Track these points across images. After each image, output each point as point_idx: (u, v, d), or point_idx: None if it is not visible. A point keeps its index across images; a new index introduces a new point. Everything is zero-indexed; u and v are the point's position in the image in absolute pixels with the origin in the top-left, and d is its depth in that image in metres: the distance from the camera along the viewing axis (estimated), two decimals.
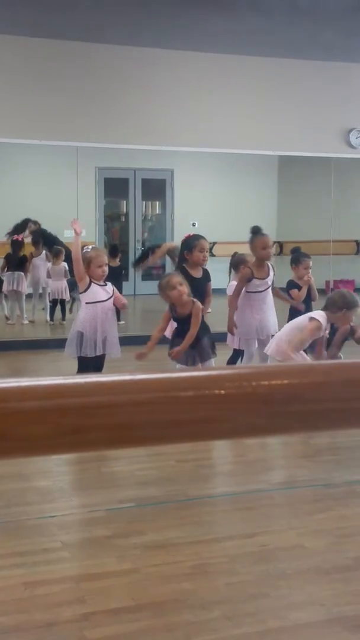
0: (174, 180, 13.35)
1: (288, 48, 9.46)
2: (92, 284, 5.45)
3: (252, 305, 6.02)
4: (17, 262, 10.51)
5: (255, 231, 6.16)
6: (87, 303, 5.46)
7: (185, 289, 5.29)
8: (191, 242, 6.15)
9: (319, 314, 5.27)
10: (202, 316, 5.52)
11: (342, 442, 5.08)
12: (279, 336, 5.46)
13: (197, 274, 5.99)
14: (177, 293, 5.26)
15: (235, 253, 7.12)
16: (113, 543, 3.36)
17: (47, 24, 8.54)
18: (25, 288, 10.58)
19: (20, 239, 10.54)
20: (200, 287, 5.89)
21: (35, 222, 11.26)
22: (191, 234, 6.42)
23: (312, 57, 9.83)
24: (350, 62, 10.11)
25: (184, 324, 5.41)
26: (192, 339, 5.32)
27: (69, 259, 10.55)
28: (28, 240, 10.97)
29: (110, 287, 5.57)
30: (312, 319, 5.26)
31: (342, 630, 2.69)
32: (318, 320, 5.21)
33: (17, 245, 10.55)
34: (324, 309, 5.29)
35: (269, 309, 6.10)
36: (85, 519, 3.71)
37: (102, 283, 5.52)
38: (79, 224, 5.53)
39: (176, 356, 5.34)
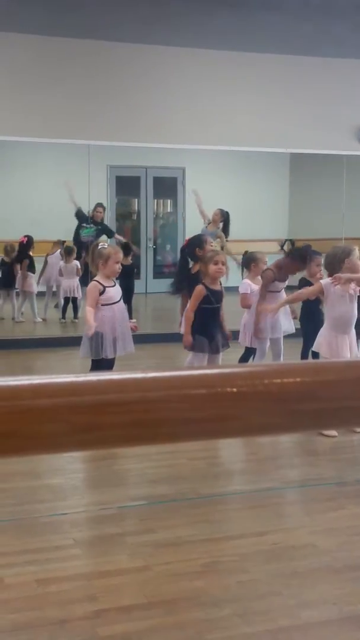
0: (185, 179, 13.34)
1: (299, 45, 9.43)
2: (106, 288, 5.46)
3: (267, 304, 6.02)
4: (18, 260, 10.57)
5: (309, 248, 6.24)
6: (103, 305, 5.47)
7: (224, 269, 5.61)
8: (199, 240, 6.24)
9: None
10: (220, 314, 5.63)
11: (354, 441, 5.07)
12: (320, 332, 5.39)
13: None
14: (217, 269, 5.52)
15: (247, 251, 7.12)
16: (125, 541, 3.37)
17: (57, 23, 8.56)
18: (35, 287, 10.59)
19: (24, 241, 10.58)
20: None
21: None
22: (190, 237, 6.54)
23: (323, 54, 9.80)
24: None
25: (208, 312, 5.47)
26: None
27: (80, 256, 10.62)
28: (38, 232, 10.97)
29: (118, 286, 5.62)
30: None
31: (355, 629, 2.68)
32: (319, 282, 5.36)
33: (23, 247, 10.60)
34: (329, 272, 5.31)
35: (283, 309, 6.10)
36: (97, 517, 3.72)
37: (112, 284, 5.54)
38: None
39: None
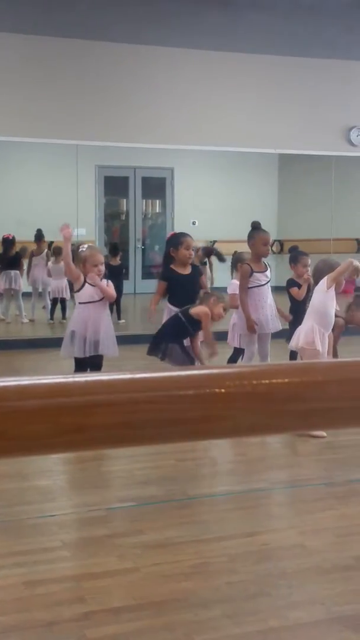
0: (174, 179, 13.35)
1: (289, 45, 9.45)
2: (86, 284, 5.42)
3: (253, 301, 6.01)
4: (11, 260, 10.50)
5: (256, 227, 6.15)
6: (80, 303, 5.44)
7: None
8: (177, 240, 6.17)
9: None
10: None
11: (342, 441, 5.08)
12: (301, 329, 5.39)
13: (185, 271, 6.04)
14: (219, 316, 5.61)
15: (236, 251, 7.13)
16: (113, 542, 3.36)
17: (47, 22, 8.54)
18: (22, 286, 10.54)
19: (10, 237, 10.51)
20: (188, 284, 5.94)
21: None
22: (175, 232, 6.46)
23: (313, 55, 9.82)
24: (351, 60, 10.10)
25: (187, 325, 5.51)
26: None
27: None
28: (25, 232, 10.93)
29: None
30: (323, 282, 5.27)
31: (343, 629, 2.69)
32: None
33: (8, 243, 10.53)
34: (316, 284, 5.36)
35: (269, 306, 6.09)
36: (86, 518, 3.71)
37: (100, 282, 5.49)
38: (68, 229, 5.44)
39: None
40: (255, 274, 6.00)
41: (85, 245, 5.77)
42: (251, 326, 5.93)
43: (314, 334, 5.23)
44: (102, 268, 5.49)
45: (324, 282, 5.24)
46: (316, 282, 5.40)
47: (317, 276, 5.40)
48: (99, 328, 5.43)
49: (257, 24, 8.55)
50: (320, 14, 8.26)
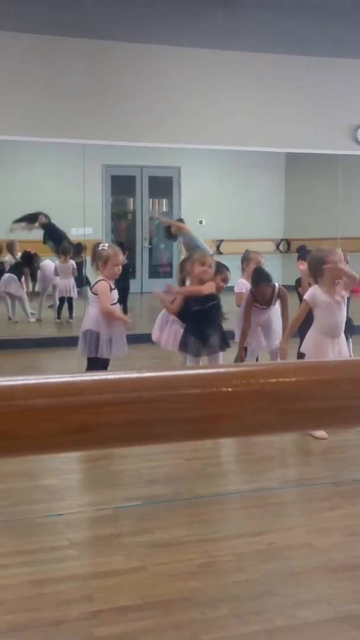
0: (180, 178, 13.34)
1: (295, 44, 9.43)
2: (111, 290, 5.50)
3: (255, 319, 5.99)
4: (13, 265, 10.59)
5: (259, 276, 6.03)
6: None
7: (211, 271, 5.58)
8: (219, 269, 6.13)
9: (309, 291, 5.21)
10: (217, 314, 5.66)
11: (350, 440, 5.07)
12: (309, 334, 5.34)
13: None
14: (203, 272, 5.54)
15: (247, 250, 7.12)
16: (120, 541, 3.36)
17: (53, 21, 8.55)
18: (19, 290, 10.50)
19: (32, 253, 10.71)
20: None
21: (46, 216, 11.37)
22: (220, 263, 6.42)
23: (319, 53, 9.80)
24: (357, 58, 10.07)
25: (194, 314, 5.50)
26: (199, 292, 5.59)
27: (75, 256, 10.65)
28: (35, 232, 11.13)
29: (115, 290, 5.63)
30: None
31: (351, 628, 2.68)
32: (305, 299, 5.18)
33: (26, 256, 10.70)
34: (313, 278, 5.21)
35: (273, 322, 6.06)
36: (93, 517, 3.71)
37: (113, 285, 5.56)
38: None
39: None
40: (256, 304, 5.95)
41: (106, 244, 5.81)
42: (241, 356, 5.85)
43: (311, 341, 5.12)
44: (120, 268, 5.58)
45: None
46: (312, 278, 5.17)
47: (312, 269, 5.18)
48: (120, 328, 5.54)
49: (262, 23, 8.53)
50: (325, 12, 8.23)
